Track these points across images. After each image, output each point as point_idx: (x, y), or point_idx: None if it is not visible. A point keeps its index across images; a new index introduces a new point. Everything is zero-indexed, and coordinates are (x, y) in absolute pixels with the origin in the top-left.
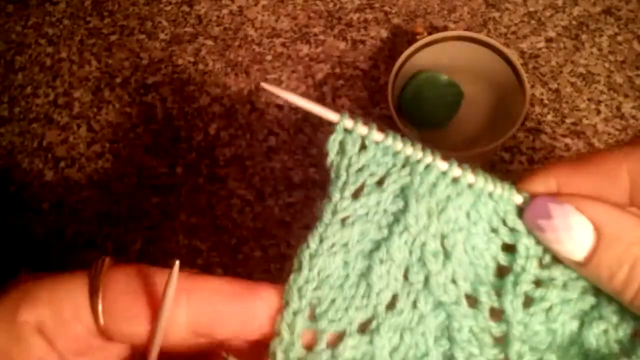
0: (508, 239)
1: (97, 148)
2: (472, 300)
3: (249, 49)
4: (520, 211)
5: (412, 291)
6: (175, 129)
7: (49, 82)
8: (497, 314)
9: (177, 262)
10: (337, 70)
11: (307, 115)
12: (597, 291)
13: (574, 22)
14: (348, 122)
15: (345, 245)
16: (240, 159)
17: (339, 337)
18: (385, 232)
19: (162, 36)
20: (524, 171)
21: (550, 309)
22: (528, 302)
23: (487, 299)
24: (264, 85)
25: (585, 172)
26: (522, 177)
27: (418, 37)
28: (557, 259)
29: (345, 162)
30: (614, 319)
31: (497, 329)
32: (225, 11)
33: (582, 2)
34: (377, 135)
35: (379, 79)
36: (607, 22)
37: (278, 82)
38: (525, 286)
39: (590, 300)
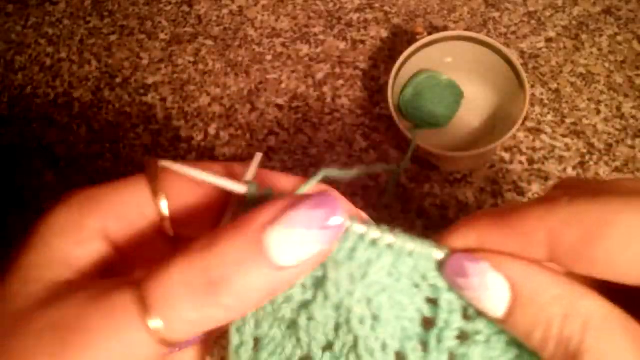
0: (431, 294)
1: (97, 148)
2: (401, 357)
3: (249, 49)
4: (441, 267)
5: (345, 344)
6: (175, 129)
7: (49, 82)
8: None
9: (259, 154)
10: (337, 70)
11: (307, 115)
12: (521, 344)
13: (574, 22)
14: (252, 189)
15: (272, 303)
16: (240, 159)
17: None
18: (310, 295)
19: (162, 36)
20: (524, 171)
21: None
22: (452, 358)
23: (413, 356)
24: (164, 163)
25: (505, 227)
26: (443, 232)
27: (418, 37)
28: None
29: None
30: None
31: None
32: (225, 11)
33: (582, 2)
34: None
35: (379, 79)
36: (607, 22)
37: (278, 82)
38: (449, 342)
39: (514, 352)
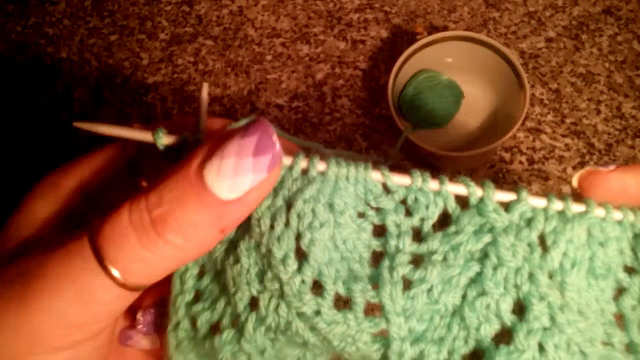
0: (378, 220)
1: (97, 148)
2: (346, 302)
3: (249, 49)
4: (385, 188)
5: (273, 297)
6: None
7: (49, 82)
8: (378, 307)
9: (206, 84)
10: (337, 70)
11: (307, 115)
12: (482, 259)
13: (574, 22)
14: (160, 139)
15: (212, 254)
16: None
17: (217, 327)
18: (236, 235)
19: (162, 36)
20: (524, 171)
21: (431, 290)
22: (408, 285)
23: (361, 298)
24: (78, 124)
25: None
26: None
27: (418, 37)
28: (434, 229)
29: None
30: (496, 292)
31: (375, 326)
32: (225, 11)
33: (582, 2)
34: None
35: (379, 79)
36: (607, 22)
37: (278, 82)
38: (402, 269)
39: (473, 271)
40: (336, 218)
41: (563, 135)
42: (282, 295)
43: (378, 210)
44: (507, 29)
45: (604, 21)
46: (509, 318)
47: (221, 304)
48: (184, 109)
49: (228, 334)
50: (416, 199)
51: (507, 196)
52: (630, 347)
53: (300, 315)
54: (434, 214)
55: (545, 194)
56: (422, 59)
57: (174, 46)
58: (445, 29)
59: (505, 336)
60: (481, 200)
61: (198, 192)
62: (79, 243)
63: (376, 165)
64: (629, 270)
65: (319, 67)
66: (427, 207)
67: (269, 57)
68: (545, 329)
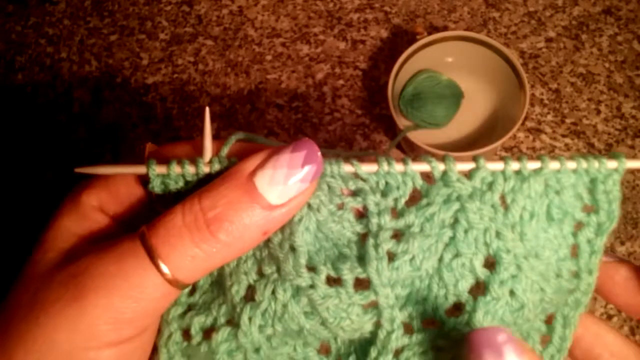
0: (357, 204)
1: (97, 148)
2: (337, 280)
3: (249, 49)
4: (355, 176)
5: (269, 283)
6: (175, 129)
7: (49, 82)
8: (366, 282)
9: (207, 108)
10: (337, 70)
11: (307, 115)
12: (453, 225)
13: (574, 22)
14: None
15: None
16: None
17: (212, 331)
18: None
19: (162, 36)
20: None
21: (413, 259)
22: (392, 257)
23: (350, 275)
24: (79, 170)
25: None
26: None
27: (418, 37)
28: (408, 204)
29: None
30: (469, 252)
31: (365, 298)
32: (225, 11)
33: (582, 2)
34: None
35: (379, 79)
36: (607, 22)
37: (278, 82)
38: (386, 245)
39: (447, 236)
40: (316, 216)
41: (563, 135)
42: (278, 277)
43: (356, 194)
44: (507, 29)
45: (604, 21)
46: (482, 272)
47: (215, 306)
48: (184, 109)
49: (224, 332)
50: (387, 183)
51: (467, 166)
52: (576, 274)
53: (296, 294)
54: (405, 193)
55: (502, 157)
56: (422, 59)
57: (174, 46)
58: (445, 29)
59: (481, 288)
60: (445, 173)
61: (251, 197)
62: (132, 243)
63: (348, 160)
64: (588, 210)
65: (319, 67)
66: (398, 187)
67: (269, 57)
68: (513, 276)
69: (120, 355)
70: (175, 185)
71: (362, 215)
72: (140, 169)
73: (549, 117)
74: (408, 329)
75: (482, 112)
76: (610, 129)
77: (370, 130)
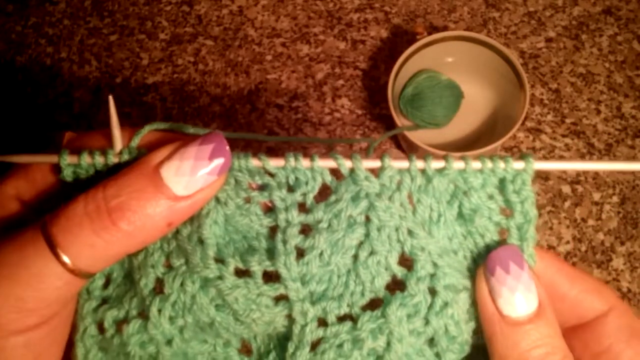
0: (263, 198)
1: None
2: (246, 272)
3: (249, 49)
4: (267, 173)
5: (177, 275)
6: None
7: (49, 82)
8: (275, 276)
9: (111, 97)
10: (337, 70)
11: (307, 115)
12: (367, 223)
13: (574, 22)
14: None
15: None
16: None
17: (125, 323)
18: None
19: (162, 36)
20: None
21: (321, 254)
22: (301, 253)
23: (258, 267)
24: None
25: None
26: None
27: (418, 37)
28: (318, 199)
29: None
30: (384, 249)
31: (274, 290)
32: (225, 11)
33: (582, 2)
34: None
35: (379, 79)
36: (607, 22)
37: (278, 82)
38: (294, 240)
39: (359, 233)
40: (223, 210)
41: (563, 135)
42: (187, 269)
43: (263, 188)
44: (507, 29)
45: (604, 21)
46: (398, 270)
47: (127, 299)
48: (184, 109)
49: (135, 324)
50: (296, 178)
51: (373, 164)
52: None
53: (204, 286)
54: (314, 188)
55: (408, 155)
56: (422, 59)
57: (174, 46)
58: (445, 29)
59: (399, 285)
60: (352, 170)
61: (155, 186)
62: (32, 233)
63: (256, 154)
64: (506, 213)
65: (319, 67)
66: (306, 183)
67: (269, 57)
68: (431, 275)
69: (27, 344)
70: (87, 175)
71: (270, 209)
72: (53, 159)
73: (549, 117)
74: (322, 323)
75: (482, 112)
76: (610, 129)
77: (370, 130)
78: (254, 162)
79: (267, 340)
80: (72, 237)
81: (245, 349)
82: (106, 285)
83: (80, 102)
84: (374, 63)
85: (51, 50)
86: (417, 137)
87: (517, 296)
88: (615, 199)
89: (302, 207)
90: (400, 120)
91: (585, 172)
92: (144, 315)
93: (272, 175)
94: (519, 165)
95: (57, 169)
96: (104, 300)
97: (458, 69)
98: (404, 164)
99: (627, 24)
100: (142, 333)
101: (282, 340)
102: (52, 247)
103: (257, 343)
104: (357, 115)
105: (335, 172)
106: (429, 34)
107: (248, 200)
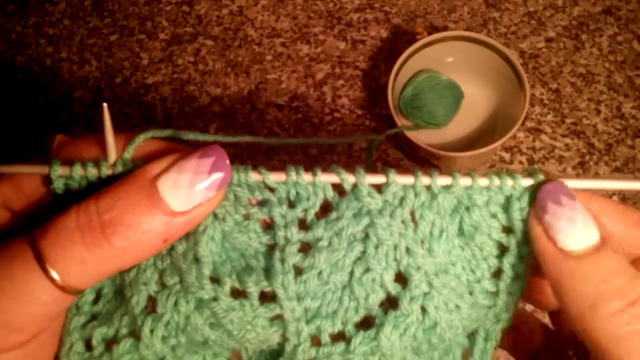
0: (263, 215)
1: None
2: (242, 292)
3: (249, 49)
4: (267, 188)
5: (171, 294)
6: (175, 129)
7: (49, 82)
8: (272, 294)
9: (105, 105)
10: (337, 70)
11: (307, 115)
12: (364, 239)
13: (574, 22)
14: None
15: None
16: (240, 158)
17: (114, 342)
18: None
19: (162, 36)
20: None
21: (320, 273)
22: (299, 271)
23: (255, 288)
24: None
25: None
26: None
27: (418, 37)
28: (319, 215)
29: None
30: (379, 267)
31: (270, 311)
32: (225, 11)
33: (582, 2)
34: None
35: (379, 79)
36: (607, 22)
37: (278, 82)
38: (292, 259)
39: (357, 250)
40: (221, 226)
41: (563, 135)
42: (181, 289)
43: (263, 204)
44: (507, 29)
45: (604, 21)
46: (393, 287)
47: (118, 316)
48: (184, 109)
49: (125, 343)
50: (297, 193)
51: (378, 179)
52: (495, 293)
53: (199, 306)
54: (315, 204)
55: (413, 171)
56: (422, 59)
57: (174, 46)
58: (445, 29)
59: (392, 303)
60: (355, 186)
61: (151, 201)
62: (20, 245)
63: (256, 168)
64: (507, 231)
65: (319, 67)
66: (307, 198)
67: (269, 57)
68: (425, 294)
69: None
70: (79, 186)
71: (270, 225)
72: (43, 169)
73: (549, 117)
74: (316, 341)
75: (482, 112)
76: (610, 129)
77: (370, 130)
78: (254, 176)
79: (259, 352)
80: (61, 251)
81: (236, 358)
82: (96, 300)
83: (80, 102)
84: (374, 63)
85: (51, 50)
86: (417, 137)
87: (577, 227)
88: (614, 198)
89: (302, 224)
90: (400, 120)
91: (585, 173)
92: (135, 334)
93: (272, 190)
94: (527, 182)
95: (47, 179)
96: (93, 316)
97: (458, 69)
98: (409, 179)
99: (627, 24)
100: (133, 353)
101: (274, 353)
102: (41, 262)
103: (247, 354)
104: (357, 115)
105: (337, 187)
106: (429, 34)
107: (247, 216)
